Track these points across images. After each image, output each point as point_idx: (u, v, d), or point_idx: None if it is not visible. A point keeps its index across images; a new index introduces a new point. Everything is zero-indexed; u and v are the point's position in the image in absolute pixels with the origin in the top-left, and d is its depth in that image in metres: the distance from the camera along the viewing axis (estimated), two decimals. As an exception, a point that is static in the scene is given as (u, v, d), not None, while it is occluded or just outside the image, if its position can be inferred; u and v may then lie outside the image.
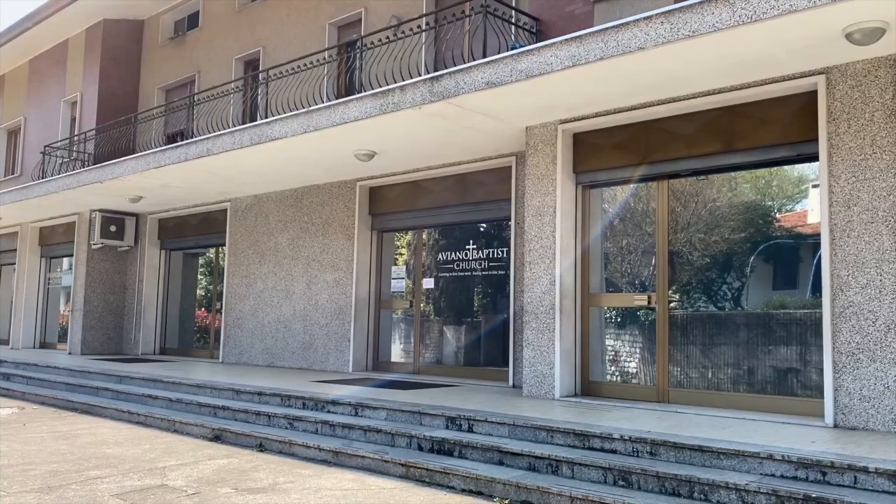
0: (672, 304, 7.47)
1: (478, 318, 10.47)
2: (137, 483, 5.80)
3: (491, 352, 10.11)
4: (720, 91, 6.90)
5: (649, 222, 7.87)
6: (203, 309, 15.18)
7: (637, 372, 7.88)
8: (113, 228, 15.33)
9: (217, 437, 7.68)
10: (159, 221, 15.61)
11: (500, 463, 5.76)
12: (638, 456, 5.37)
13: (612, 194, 8.30)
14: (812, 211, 6.88)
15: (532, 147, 8.18)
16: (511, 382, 9.10)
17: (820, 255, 6.29)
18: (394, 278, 11.28)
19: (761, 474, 4.81)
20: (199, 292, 15.65)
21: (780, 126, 6.73)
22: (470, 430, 6.40)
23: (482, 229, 10.48)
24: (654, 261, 7.69)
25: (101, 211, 15.14)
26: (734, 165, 7.13)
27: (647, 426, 5.88)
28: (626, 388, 7.74)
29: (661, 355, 7.42)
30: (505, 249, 9.88)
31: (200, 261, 15.86)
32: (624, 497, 4.77)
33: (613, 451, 5.50)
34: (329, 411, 7.63)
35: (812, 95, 6.47)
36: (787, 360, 6.82)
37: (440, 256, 10.67)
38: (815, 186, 6.82)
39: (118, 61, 16.38)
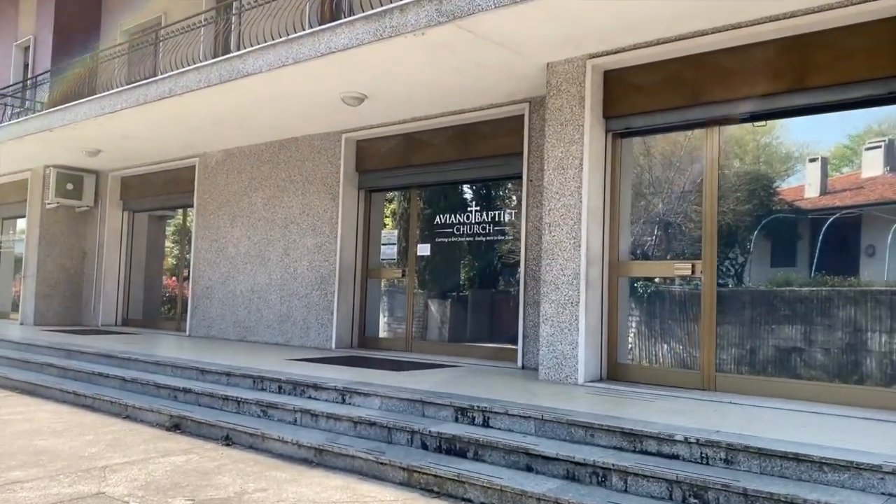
0: (720, 274, 6.28)
1: (481, 289, 9.24)
2: (67, 490, 4.56)
3: (496, 328, 8.91)
4: (792, 15, 5.66)
5: (692, 177, 6.66)
6: (174, 277, 13.79)
7: (675, 354, 6.71)
8: (70, 186, 13.86)
9: (176, 426, 6.43)
10: (122, 180, 14.15)
11: (529, 469, 4.57)
12: (709, 464, 4.20)
13: (649, 144, 7.07)
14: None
15: (554, 87, 6.91)
16: (520, 363, 7.91)
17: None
18: (384, 244, 10.01)
19: (885, 494, 3.66)
20: (169, 260, 14.26)
21: (866, 58, 5.51)
22: (486, 425, 5.20)
23: (487, 188, 9.23)
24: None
25: (56, 167, 13.65)
26: (805, 107, 5.90)
27: (708, 423, 4.71)
28: (661, 373, 6.57)
29: (706, 334, 6.25)
30: (514, 211, 8.64)
31: (168, 223, 14.46)
32: (705, 523, 3.61)
33: (675, 457, 4.33)
34: (310, 397, 6.39)
35: (914, 17, 5.26)
36: (866, 342, 5.67)
37: (438, 219, 9.41)
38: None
39: (76, 0, 14.74)
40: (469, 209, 9.10)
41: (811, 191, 6.15)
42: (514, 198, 8.70)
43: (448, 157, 9.11)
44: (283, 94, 8.47)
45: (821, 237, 6.05)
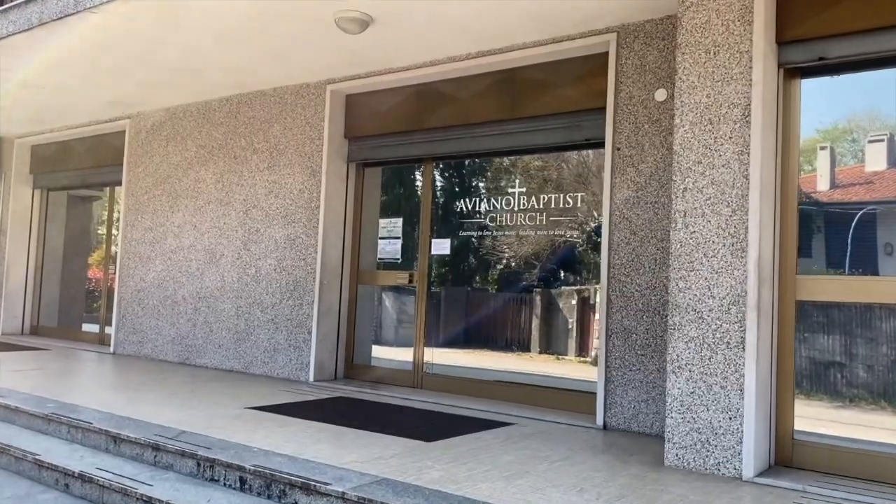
0: None
1: (525, 304, 6.61)
2: None
3: (554, 363, 6.29)
4: None
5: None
6: (101, 270, 10.81)
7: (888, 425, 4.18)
8: (-38, 156, 10.80)
9: (56, 557, 3.67)
10: (31, 149, 11.10)
11: None
12: None
13: (840, 86, 4.53)
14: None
15: (695, -7, 4.31)
16: (601, 420, 5.33)
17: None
18: (383, 238, 7.30)
19: None
20: (93, 254, 11.28)
21: None
22: None
23: (542, 162, 6.59)
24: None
25: (-58, 130, 10.59)
26: None
27: None
28: (868, 461, 4.02)
29: (966, 402, 3.74)
30: (581, 194, 6.04)
31: (96, 205, 11.47)
32: None
33: None
34: (296, 505, 3.69)
35: None
36: None
37: (462, 206, 6.76)
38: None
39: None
40: (510, 191, 6.47)
41: None
42: (589, 175, 6.09)
43: (482, 118, 6.45)
44: (247, 16, 5.69)
45: None
